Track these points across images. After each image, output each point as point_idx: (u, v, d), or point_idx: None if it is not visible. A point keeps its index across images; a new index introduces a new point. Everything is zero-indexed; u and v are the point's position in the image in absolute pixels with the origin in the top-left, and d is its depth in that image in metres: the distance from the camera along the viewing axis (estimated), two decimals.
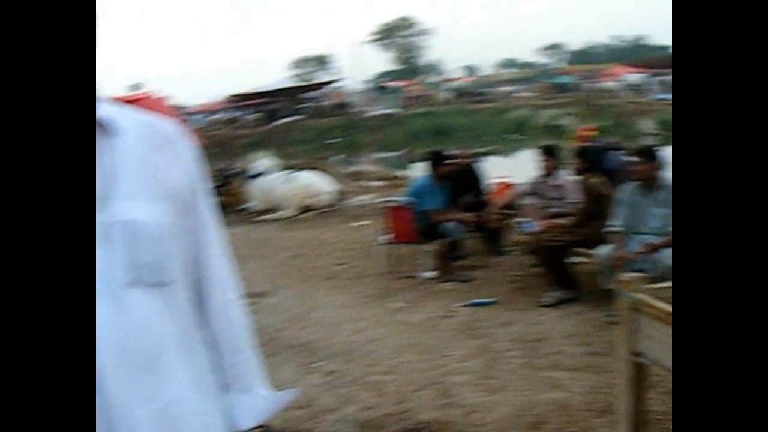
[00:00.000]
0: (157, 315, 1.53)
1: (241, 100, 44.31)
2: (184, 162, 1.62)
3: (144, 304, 1.51)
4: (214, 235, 1.69)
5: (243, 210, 13.04)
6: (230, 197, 13.17)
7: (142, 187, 1.53)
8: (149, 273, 1.51)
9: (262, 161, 13.97)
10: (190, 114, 37.45)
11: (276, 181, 13.02)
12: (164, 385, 1.55)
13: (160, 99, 16.71)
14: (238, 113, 42.79)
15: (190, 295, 1.63)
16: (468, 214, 8.00)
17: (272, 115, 39.40)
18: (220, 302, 1.68)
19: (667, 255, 5.27)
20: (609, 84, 45.20)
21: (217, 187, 13.25)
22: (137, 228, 1.49)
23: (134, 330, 1.50)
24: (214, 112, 44.72)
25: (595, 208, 6.33)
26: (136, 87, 32.02)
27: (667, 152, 5.78)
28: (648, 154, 5.80)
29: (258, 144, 27.25)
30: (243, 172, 13.57)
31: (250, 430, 1.68)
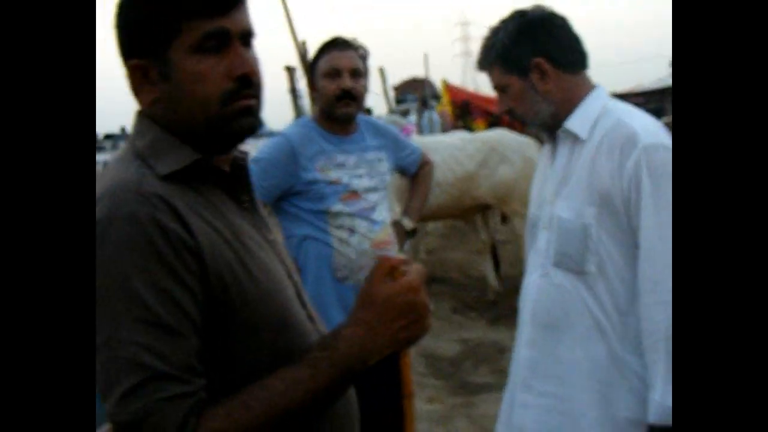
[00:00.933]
0: (568, 294, 1.95)
1: (620, 99, 43.47)
2: (628, 168, 1.83)
3: (561, 283, 1.97)
4: (649, 239, 1.81)
5: None
6: None
7: (578, 191, 1.93)
8: (567, 260, 1.95)
9: None
10: None
11: None
12: (559, 346, 1.99)
13: None
14: None
15: (621, 288, 1.89)
16: None
17: (653, 115, 38.15)
18: (642, 302, 1.84)
19: None
20: None
21: None
22: (562, 224, 1.95)
23: (547, 298, 2.00)
24: None
25: None
26: None
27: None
28: None
29: None
30: None
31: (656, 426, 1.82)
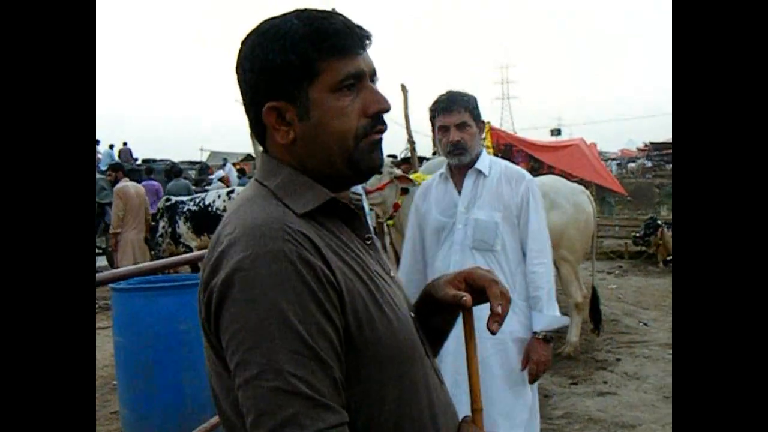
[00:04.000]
0: (484, 264, 3.15)
1: (659, 149, 43.40)
2: (521, 192, 3.32)
3: (478, 258, 3.26)
4: (533, 230, 3.30)
5: (669, 262, 12.92)
6: (657, 247, 13.21)
7: (488, 203, 3.31)
8: (482, 244, 3.31)
9: None
10: (607, 160, 37.66)
11: None
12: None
13: (591, 145, 17.33)
14: (656, 162, 41.88)
15: (517, 258, 3.32)
16: None
17: None
18: (530, 263, 3.31)
19: None
20: None
21: (644, 236, 13.29)
22: (478, 222, 3.30)
23: (485, 265, 2.99)
24: (631, 160, 44.39)
25: None
26: (557, 132, 33.07)
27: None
28: None
29: None
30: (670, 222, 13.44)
31: (539, 333, 3.26)
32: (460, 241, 3.35)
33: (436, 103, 3.43)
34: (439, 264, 3.40)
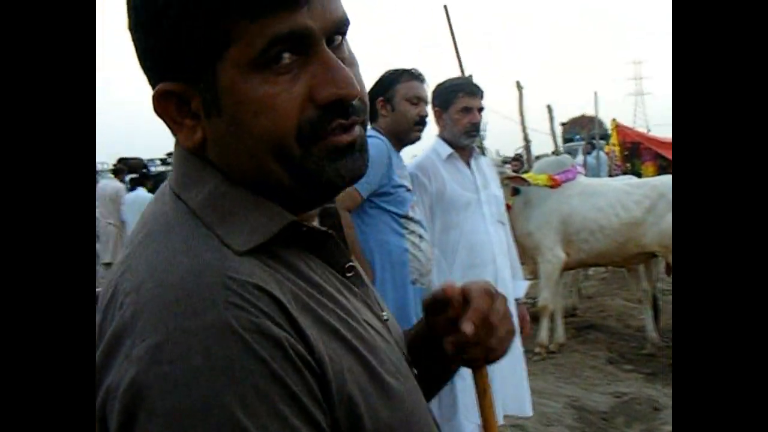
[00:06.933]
0: (504, 235, 3.75)
1: None
2: (497, 174, 3.95)
3: (501, 230, 3.70)
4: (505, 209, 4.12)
5: None
6: None
7: (494, 182, 3.75)
8: (501, 217, 3.73)
9: None
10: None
11: None
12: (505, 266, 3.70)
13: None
14: None
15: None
16: None
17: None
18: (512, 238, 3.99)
19: None
20: None
21: None
22: (497, 199, 3.71)
23: (503, 242, 3.71)
24: None
25: None
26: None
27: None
28: None
29: None
30: None
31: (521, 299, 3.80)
32: (489, 215, 3.59)
33: (456, 84, 3.65)
34: (480, 237, 3.57)
